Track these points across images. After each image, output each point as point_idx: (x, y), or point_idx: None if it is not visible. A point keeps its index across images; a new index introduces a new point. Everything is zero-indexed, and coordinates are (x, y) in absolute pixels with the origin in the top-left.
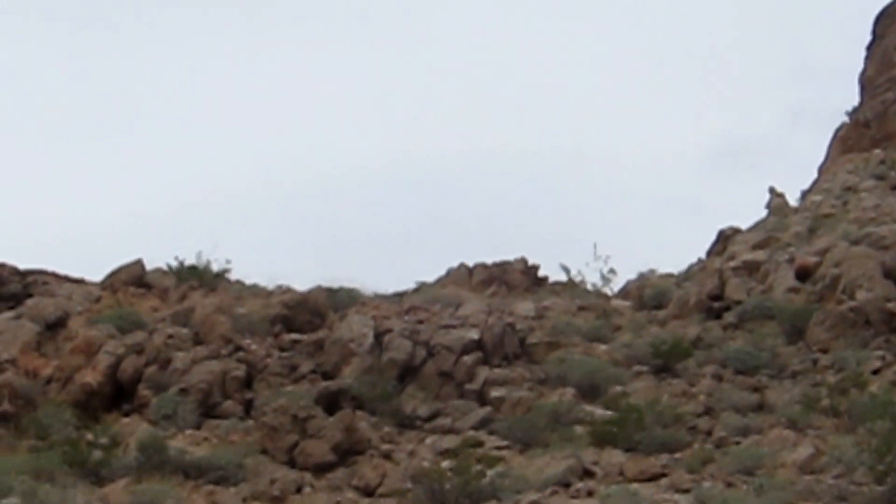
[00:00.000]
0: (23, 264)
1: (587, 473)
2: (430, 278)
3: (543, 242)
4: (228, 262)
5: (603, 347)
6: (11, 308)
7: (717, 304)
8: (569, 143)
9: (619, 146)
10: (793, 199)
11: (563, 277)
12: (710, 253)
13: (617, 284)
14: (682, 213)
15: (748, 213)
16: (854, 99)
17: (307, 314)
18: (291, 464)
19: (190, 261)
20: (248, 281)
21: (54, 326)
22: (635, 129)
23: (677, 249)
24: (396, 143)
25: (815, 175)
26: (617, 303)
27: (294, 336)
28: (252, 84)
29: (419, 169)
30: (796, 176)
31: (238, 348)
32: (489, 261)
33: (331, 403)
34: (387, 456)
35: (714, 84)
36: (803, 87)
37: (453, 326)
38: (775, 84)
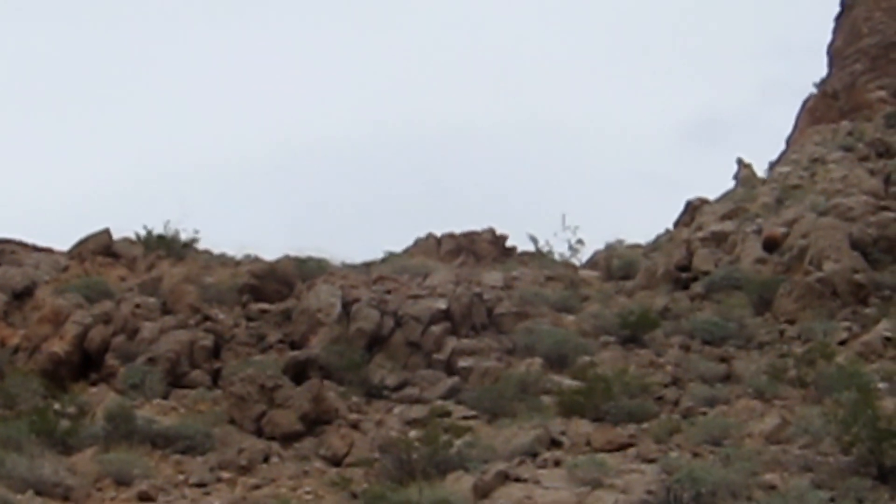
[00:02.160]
0: None
1: (554, 443)
2: (399, 248)
3: (514, 213)
4: (196, 231)
5: (571, 318)
6: None
7: (684, 275)
8: (542, 115)
9: (593, 120)
10: (761, 171)
11: (531, 248)
12: (677, 223)
13: (585, 255)
14: (654, 186)
15: (719, 187)
16: (825, 72)
17: (275, 284)
18: (259, 433)
19: (158, 230)
20: (216, 250)
21: (21, 296)
22: (609, 103)
23: (648, 222)
24: (367, 114)
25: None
26: (585, 273)
27: (262, 306)
28: (223, 53)
29: (389, 140)
30: (769, 151)
31: (206, 318)
32: (458, 231)
33: (298, 373)
34: (354, 426)
35: (688, 59)
36: (777, 62)
37: (421, 296)
38: (749, 60)
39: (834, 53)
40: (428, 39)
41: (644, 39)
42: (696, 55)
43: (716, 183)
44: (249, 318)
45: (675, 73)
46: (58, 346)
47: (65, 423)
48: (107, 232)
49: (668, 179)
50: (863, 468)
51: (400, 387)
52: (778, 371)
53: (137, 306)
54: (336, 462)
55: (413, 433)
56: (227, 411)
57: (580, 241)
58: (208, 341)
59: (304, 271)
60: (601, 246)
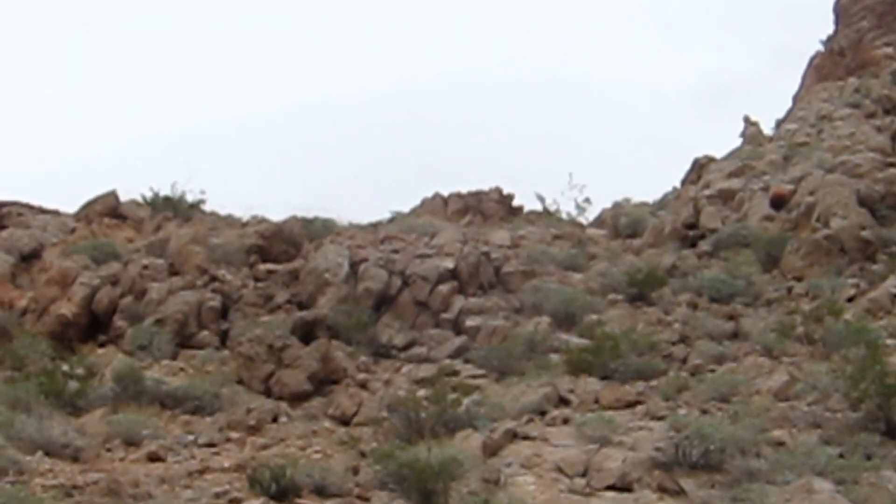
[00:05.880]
0: None
1: (563, 401)
2: (406, 208)
3: (521, 173)
4: (203, 192)
5: (578, 276)
6: None
7: (692, 233)
8: (552, 76)
9: (603, 82)
10: (768, 130)
11: (538, 207)
12: (684, 181)
13: (592, 213)
14: (662, 150)
15: (727, 152)
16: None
17: (282, 244)
18: (267, 393)
19: (165, 192)
20: (223, 211)
21: (29, 258)
22: (619, 65)
23: (655, 184)
24: (374, 73)
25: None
26: (592, 231)
27: (269, 266)
28: (229, 12)
29: (395, 98)
30: (777, 116)
31: (213, 279)
32: (464, 190)
33: (306, 333)
34: (363, 385)
35: (698, 24)
36: (787, 29)
37: (428, 256)
38: (759, 26)
39: (840, 10)
40: None
41: (655, 3)
42: (706, 20)
43: (723, 148)
44: (257, 279)
45: (686, 37)
46: (66, 308)
47: (73, 385)
48: (114, 194)
49: (677, 143)
50: (871, 424)
51: (408, 346)
52: (786, 328)
53: (145, 267)
54: (345, 421)
55: (421, 392)
56: (236, 372)
57: (587, 200)
58: (216, 302)
59: (311, 231)
60: (608, 204)
